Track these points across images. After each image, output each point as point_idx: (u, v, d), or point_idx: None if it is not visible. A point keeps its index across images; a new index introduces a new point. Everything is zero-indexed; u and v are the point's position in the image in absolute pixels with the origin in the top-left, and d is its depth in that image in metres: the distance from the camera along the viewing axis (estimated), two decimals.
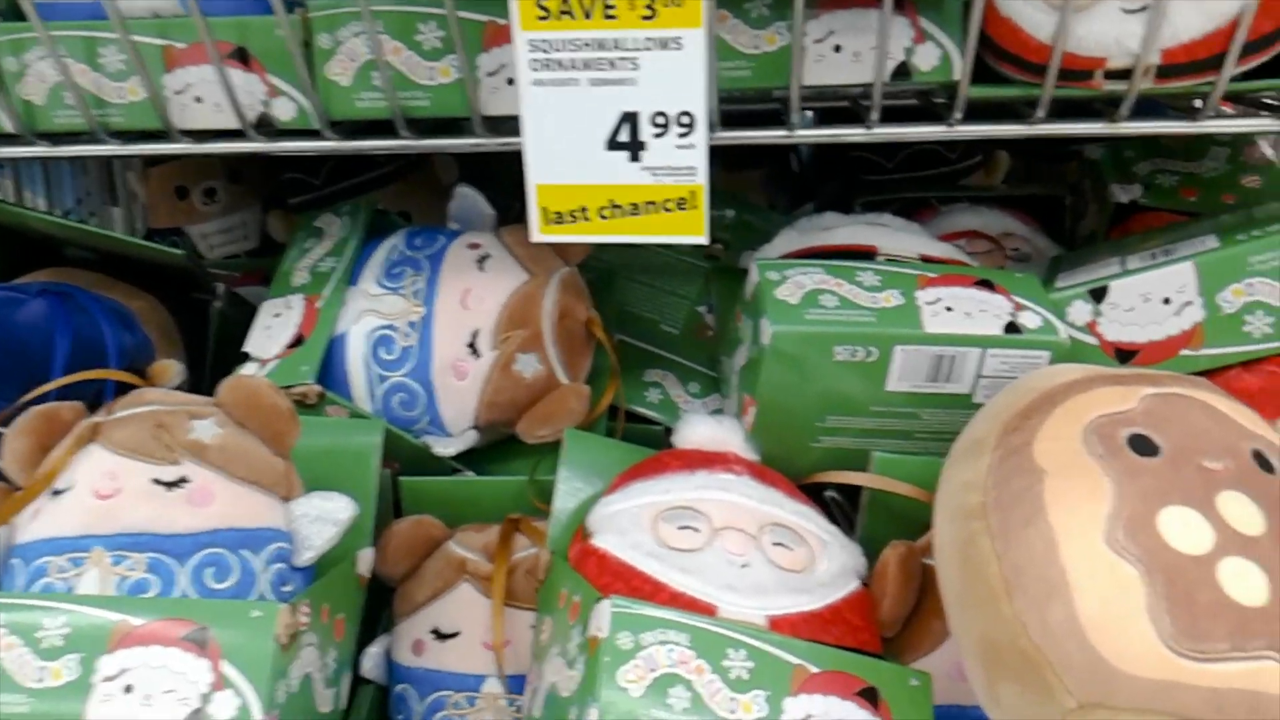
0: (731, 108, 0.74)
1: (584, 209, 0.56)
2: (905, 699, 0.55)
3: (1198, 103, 0.60)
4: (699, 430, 0.67)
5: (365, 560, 0.66)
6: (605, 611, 0.52)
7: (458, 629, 0.66)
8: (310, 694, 0.58)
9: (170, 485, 0.57)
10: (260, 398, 0.60)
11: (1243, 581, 0.47)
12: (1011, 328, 0.64)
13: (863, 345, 0.63)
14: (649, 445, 0.70)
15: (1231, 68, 0.57)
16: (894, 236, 0.73)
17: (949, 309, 0.64)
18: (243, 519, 0.57)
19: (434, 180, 0.97)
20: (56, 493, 0.58)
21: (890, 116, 0.65)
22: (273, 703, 0.52)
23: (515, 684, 0.64)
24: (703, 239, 0.56)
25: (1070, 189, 0.92)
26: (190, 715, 0.51)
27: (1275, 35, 0.57)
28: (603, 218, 0.56)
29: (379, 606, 0.71)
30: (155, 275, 0.83)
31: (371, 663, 0.67)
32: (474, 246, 0.74)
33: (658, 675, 0.51)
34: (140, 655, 0.52)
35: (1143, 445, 0.52)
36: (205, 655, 0.52)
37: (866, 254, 0.71)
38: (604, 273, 0.84)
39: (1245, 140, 0.86)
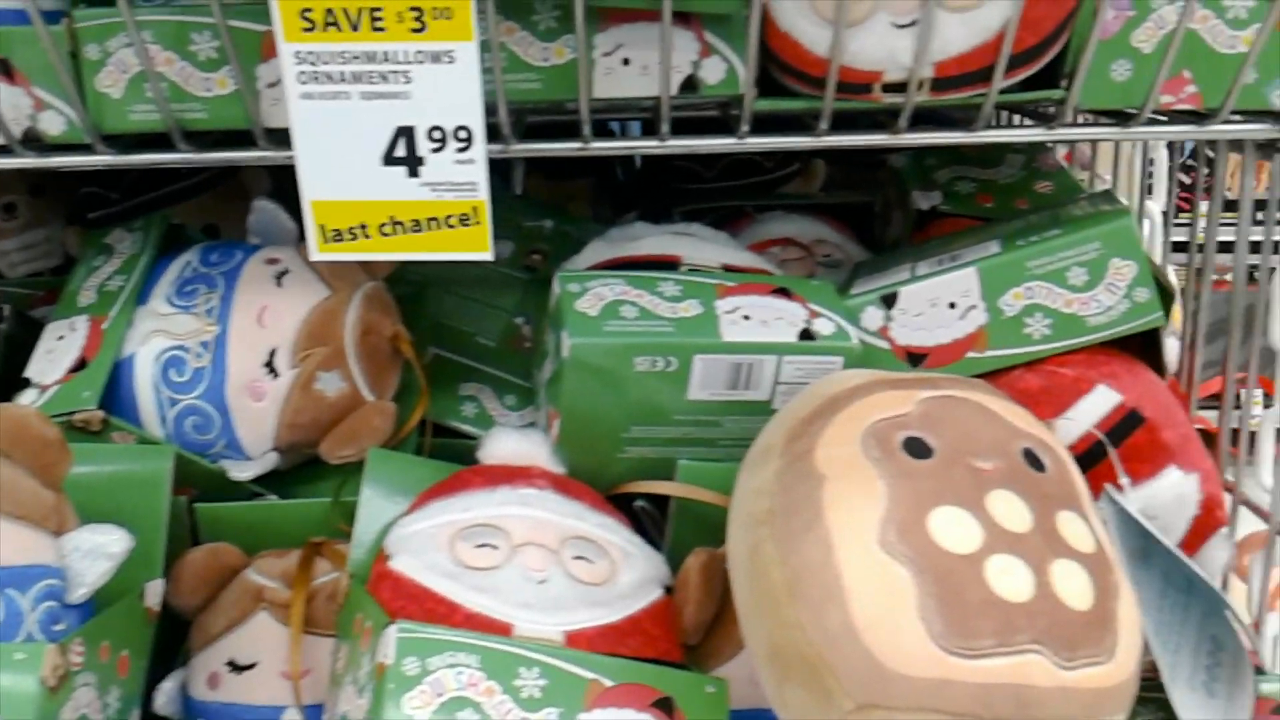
0: (558, 118, 0.73)
1: (364, 226, 0.54)
2: (701, 706, 0.55)
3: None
4: (503, 445, 0.66)
5: (154, 592, 0.63)
6: (391, 637, 0.51)
7: (255, 660, 0.63)
8: None
9: None
10: (27, 429, 0.56)
11: (1009, 578, 0.49)
12: (806, 334, 0.65)
13: (662, 355, 0.63)
14: (464, 461, 0.69)
15: (1000, 80, 0.59)
16: (699, 246, 0.74)
17: (746, 317, 0.65)
18: (9, 556, 0.54)
19: (243, 192, 0.93)
20: None
21: (696, 128, 0.66)
22: None
23: (315, 714, 0.62)
24: (487, 255, 0.56)
25: (881, 196, 0.94)
26: None
27: (1039, 48, 0.60)
28: (384, 234, 0.54)
29: (179, 640, 0.68)
30: None
31: (165, 699, 0.64)
32: (272, 262, 0.72)
33: (445, 699, 0.50)
34: None
35: (917, 448, 0.53)
36: None
37: (670, 264, 0.71)
38: (417, 286, 0.83)
39: (1040, 148, 0.89)
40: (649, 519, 0.70)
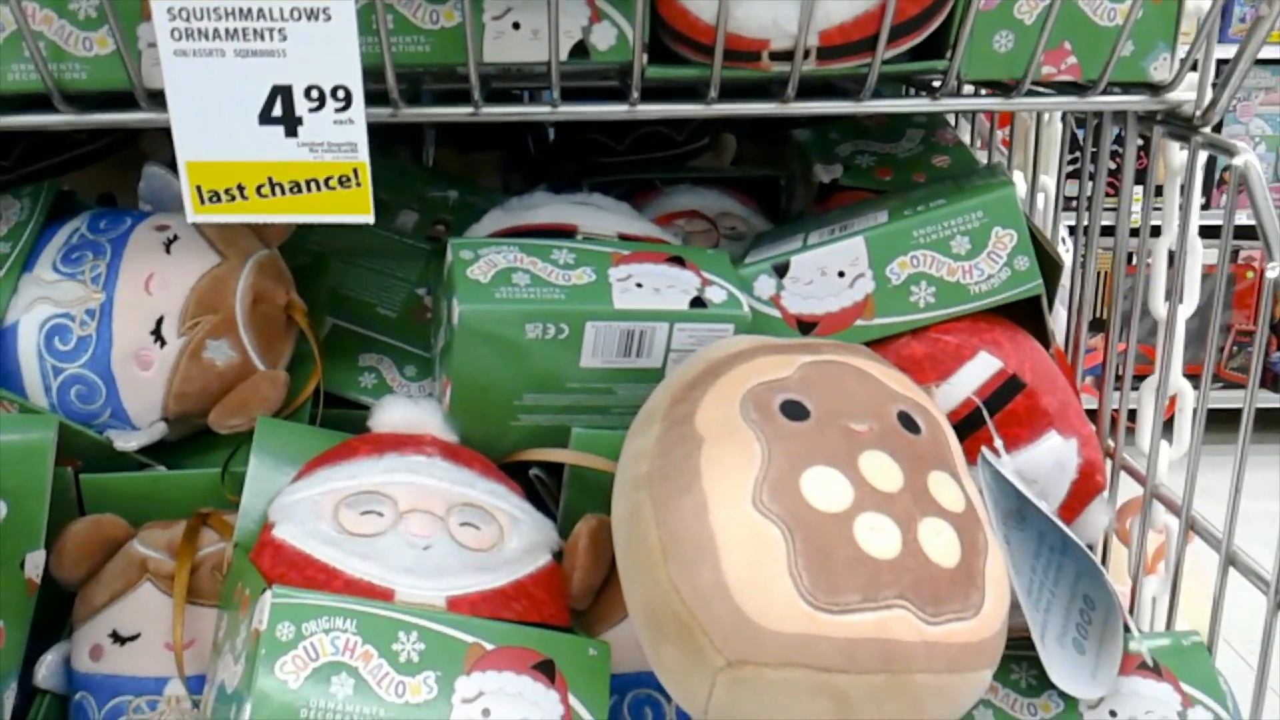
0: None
1: (241, 187, 0.53)
2: (582, 669, 0.56)
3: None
4: (394, 413, 0.66)
5: (35, 564, 0.62)
6: (265, 603, 0.51)
7: (138, 631, 0.63)
8: None
9: None
10: None
11: (877, 535, 0.50)
12: (697, 302, 0.65)
13: (554, 322, 0.63)
14: (361, 432, 0.69)
15: (883, 49, 0.60)
16: (596, 216, 0.74)
17: (639, 285, 0.65)
18: None
19: (141, 160, 0.91)
20: None
21: (608, 95, 0.66)
22: None
23: (198, 685, 0.62)
24: (368, 218, 0.55)
25: (787, 171, 0.95)
26: None
27: (921, 18, 0.61)
28: (261, 195, 0.54)
29: (64, 614, 0.67)
30: None
31: (47, 671, 0.63)
32: (162, 228, 0.70)
33: (319, 664, 0.50)
34: None
35: (794, 410, 0.54)
36: None
37: (567, 233, 0.71)
38: (317, 256, 0.82)
39: (939, 124, 0.91)
40: (543, 487, 0.70)
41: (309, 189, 0.54)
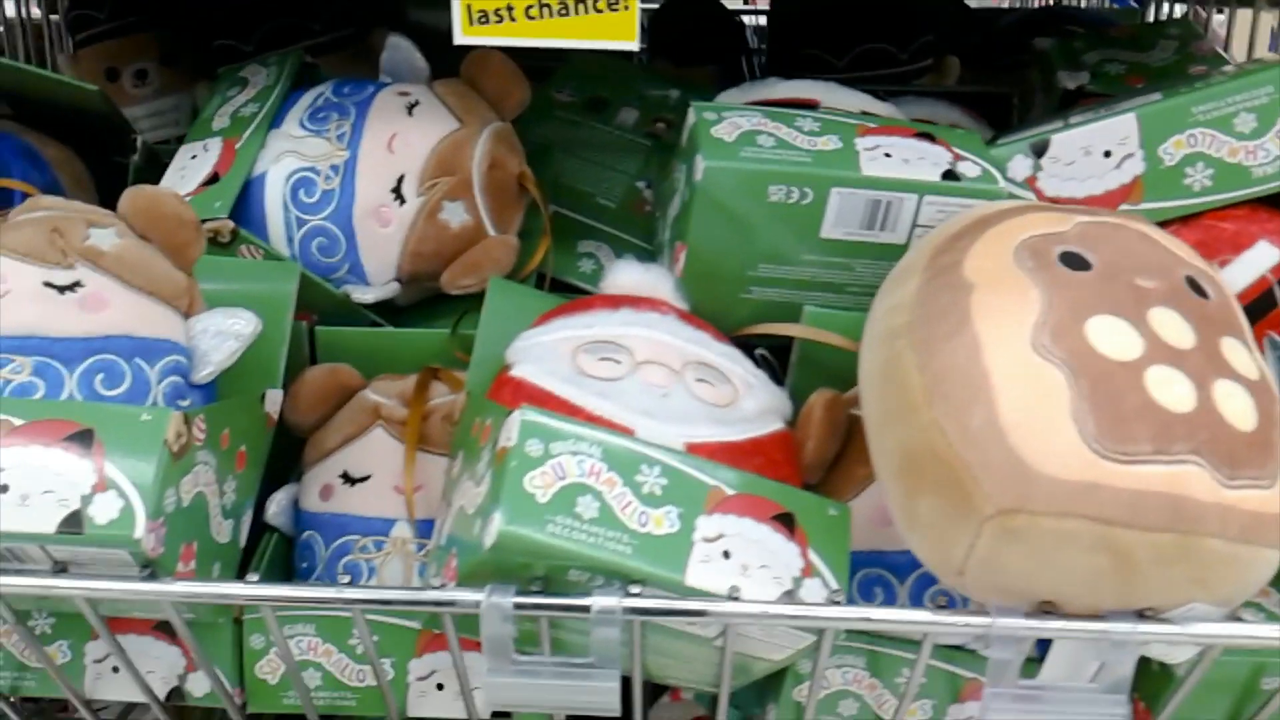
0: None
1: (510, 8, 0.53)
2: (823, 528, 0.53)
3: None
4: (627, 275, 0.65)
5: (273, 400, 0.63)
6: (515, 421, 0.50)
7: (368, 473, 0.63)
8: (204, 516, 0.55)
9: (62, 289, 0.54)
10: (161, 206, 0.57)
11: (1169, 388, 0.46)
12: (949, 175, 0.62)
13: (798, 186, 0.61)
14: None
15: None
16: (837, 93, 0.71)
17: (888, 155, 0.63)
18: (138, 328, 0.54)
19: (371, 53, 0.94)
20: None
21: None
22: (159, 510, 0.49)
23: (425, 529, 0.62)
24: (632, 45, 0.54)
25: (1021, 86, 0.90)
26: (68, 516, 0.48)
27: None
28: (529, 18, 0.53)
29: (288, 467, 0.68)
30: (73, 130, 0.80)
31: (277, 508, 0.64)
32: (404, 94, 0.72)
33: (566, 484, 0.49)
34: (19, 455, 0.49)
35: (1075, 261, 0.50)
36: (89, 456, 0.49)
37: (809, 107, 0.69)
38: (541, 147, 0.82)
39: (1193, 34, 0.85)
40: (768, 368, 0.68)
41: (576, 11, 0.53)
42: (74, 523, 0.48)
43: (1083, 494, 0.45)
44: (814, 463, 0.60)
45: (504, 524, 0.47)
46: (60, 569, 0.50)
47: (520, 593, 0.49)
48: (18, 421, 0.50)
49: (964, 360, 0.47)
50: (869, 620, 0.49)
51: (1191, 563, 0.45)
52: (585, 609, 0.48)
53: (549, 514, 0.48)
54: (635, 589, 0.49)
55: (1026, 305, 0.48)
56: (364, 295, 0.69)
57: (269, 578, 0.62)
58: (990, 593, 0.48)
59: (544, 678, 0.50)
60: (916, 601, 0.58)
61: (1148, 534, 0.45)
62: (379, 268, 0.69)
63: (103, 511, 0.48)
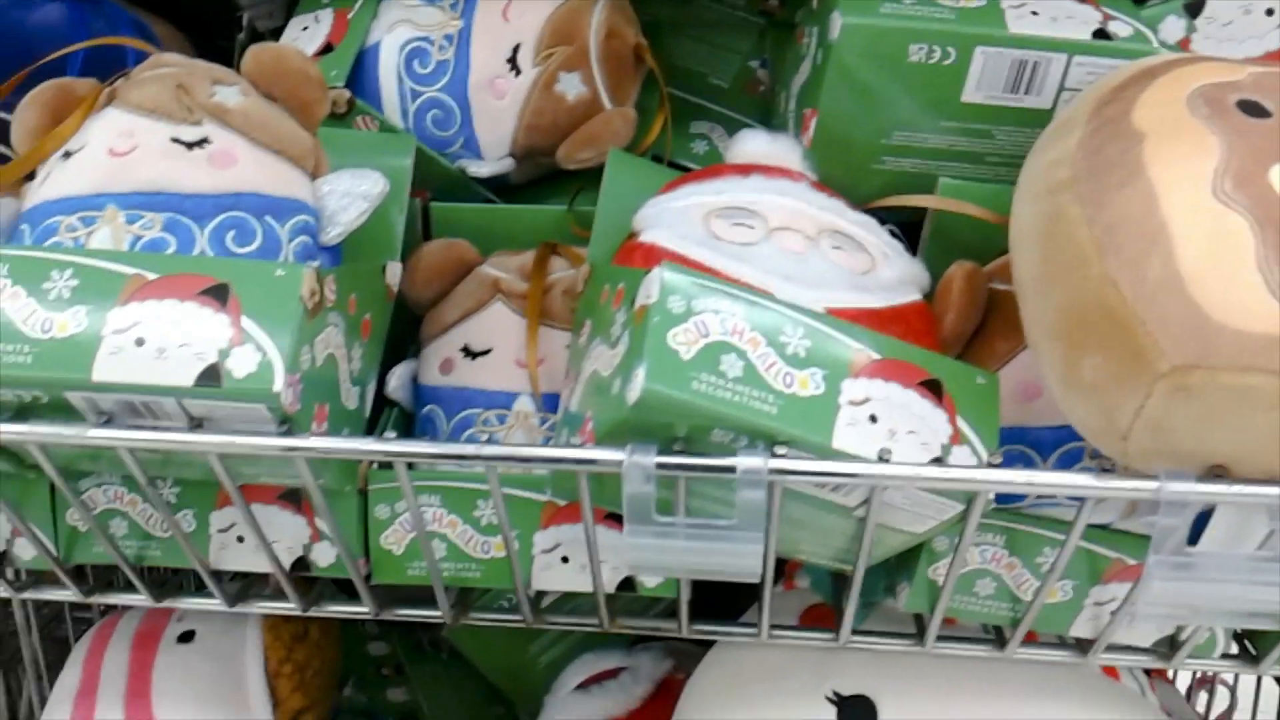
0: None
1: None
2: (971, 396, 0.51)
3: None
4: (754, 144, 0.62)
5: (394, 272, 0.62)
6: (655, 278, 0.48)
7: (489, 346, 0.62)
8: (335, 379, 0.54)
9: (191, 145, 0.53)
10: (286, 62, 0.55)
11: None
12: (1100, 34, 0.58)
13: (940, 44, 0.58)
14: None
15: None
16: None
17: (1034, 13, 0.59)
18: (267, 186, 0.53)
19: None
20: (67, 155, 0.54)
21: None
22: (295, 365, 0.49)
23: (548, 402, 0.61)
24: None
25: None
26: (206, 370, 0.48)
27: None
28: None
29: (401, 348, 0.67)
30: (176, 13, 0.79)
31: (397, 382, 0.63)
32: None
33: (710, 341, 0.47)
34: (155, 309, 0.48)
35: (1253, 109, 0.47)
36: (225, 310, 0.48)
37: None
38: (650, 26, 0.79)
39: None
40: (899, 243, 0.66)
41: None
42: (212, 376, 0.48)
43: (1268, 347, 0.42)
44: (953, 336, 0.57)
45: (647, 381, 0.46)
46: (196, 425, 0.50)
47: (662, 452, 0.47)
48: (152, 276, 0.49)
49: (1139, 210, 0.45)
50: (1030, 484, 0.47)
51: None
52: (730, 469, 0.47)
53: (693, 371, 0.46)
54: (781, 450, 0.47)
55: (1205, 152, 0.45)
56: (479, 169, 0.67)
57: (386, 464, 0.61)
58: (1155, 459, 0.46)
59: (684, 540, 0.48)
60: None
61: None
62: (494, 142, 0.68)
63: (241, 365, 0.48)
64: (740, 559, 0.48)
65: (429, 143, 0.67)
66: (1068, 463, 0.56)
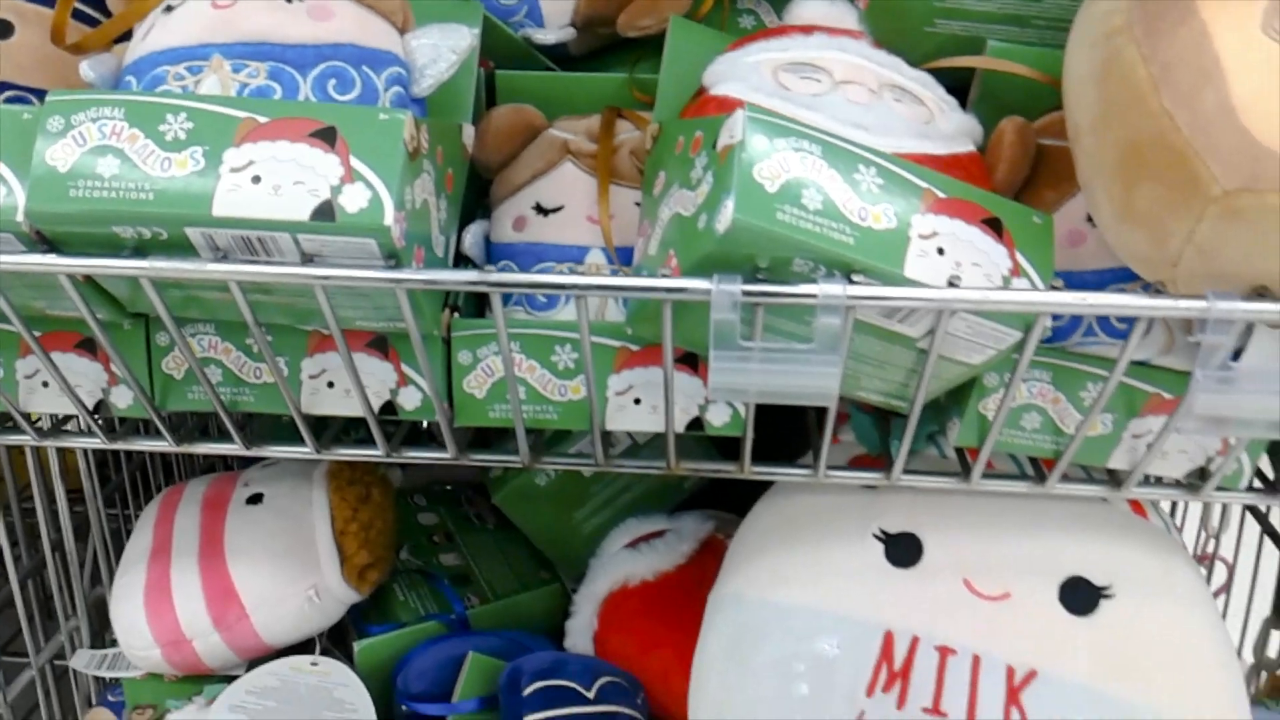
0: None
1: None
2: (1028, 233, 0.55)
3: None
4: (812, 8, 0.65)
5: (468, 133, 0.65)
6: (739, 118, 0.51)
7: (560, 204, 0.66)
8: (428, 224, 0.57)
9: None
10: None
11: None
12: None
13: None
14: None
15: None
16: None
17: None
18: (362, 37, 0.56)
19: None
20: (169, 9, 0.56)
21: None
22: (402, 203, 0.52)
23: (621, 256, 0.64)
24: None
25: None
26: (320, 205, 0.51)
27: None
28: None
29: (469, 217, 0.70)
30: None
31: (472, 239, 0.66)
32: None
33: (791, 177, 0.51)
34: (269, 149, 0.52)
35: None
36: (334, 151, 0.52)
37: None
38: None
39: None
40: None
41: None
42: (326, 212, 0.51)
43: None
44: (1005, 186, 0.61)
45: (737, 212, 0.49)
46: (306, 262, 0.53)
47: (746, 282, 0.51)
48: (263, 119, 0.52)
49: (1193, 48, 0.48)
50: (1088, 305, 0.51)
51: None
52: (812, 295, 0.51)
53: (778, 203, 0.50)
54: (857, 278, 0.51)
55: None
56: (543, 37, 0.70)
57: (466, 310, 0.65)
58: (1203, 282, 0.50)
59: (766, 363, 0.52)
60: (1104, 325, 0.60)
61: None
62: (556, 10, 0.70)
63: (352, 201, 0.51)
64: (819, 380, 0.52)
65: (492, 11, 0.70)
66: None
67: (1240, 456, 0.62)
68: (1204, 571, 1.14)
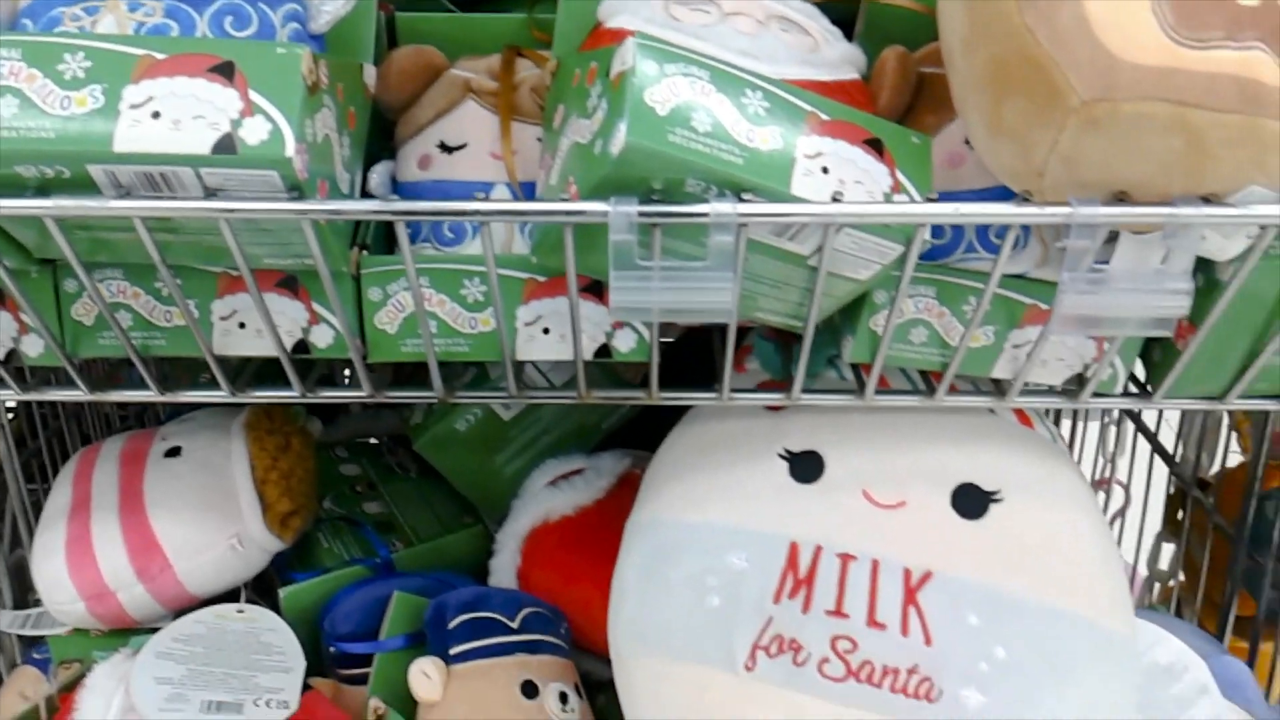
0: None
1: None
2: (908, 153, 0.58)
3: None
4: None
5: (369, 74, 0.66)
6: (629, 46, 0.53)
7: (464, 141, 0.67)
8: (331, 159, 0.59)
9: None
10: None
11: None
12: None
13: None
14: None
15: None
16: None
17: None
18: None
19: None
20: None
21: None
22: (303, 135, 0.53)
23: (525, 191, 0.66)
24: None
25: None
26: (221, 139, 0.52)
27: None
28: None
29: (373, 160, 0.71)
30: None
31: (378, 179, 0.67)
32: None
33: (681, 101, 0.53)
34: (167, 85, 0.52)
35: None
36: (233, 85, 0.53)
37: None
38: None
39: None
40: None
41: None
42: (227, 145, 0.52)
43: (1162, 78, 0.49)
44: (887, 112, 0.64)
45: (629, 135, 0.51)
46: (210, 196, 0.54)
47: (642, 204, 0.53)
48: (160, 55, 0.53)
49: None
50: (959, 215, 0.54)
51: (1254, 144, 0.50)
52: (704, 215, 0.53)
53: (669, 126, 0.52)
54: (747, 197, 0.54)
55: None
56: None
57: (375, 249, 0.66)
58: (1068, 190, 0.53)
59: (664, 282, 0.55)
60: (983, 241, 0.64)
61: (1218, 114, 0.49)
62: None
63: (253, 134, 0.52)
64: (714, 296, 0.55)
65: None
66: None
67: (1115, 361, 0.66)
68: (1102, 495, 1.21)
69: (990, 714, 0.62)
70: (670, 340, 0.97)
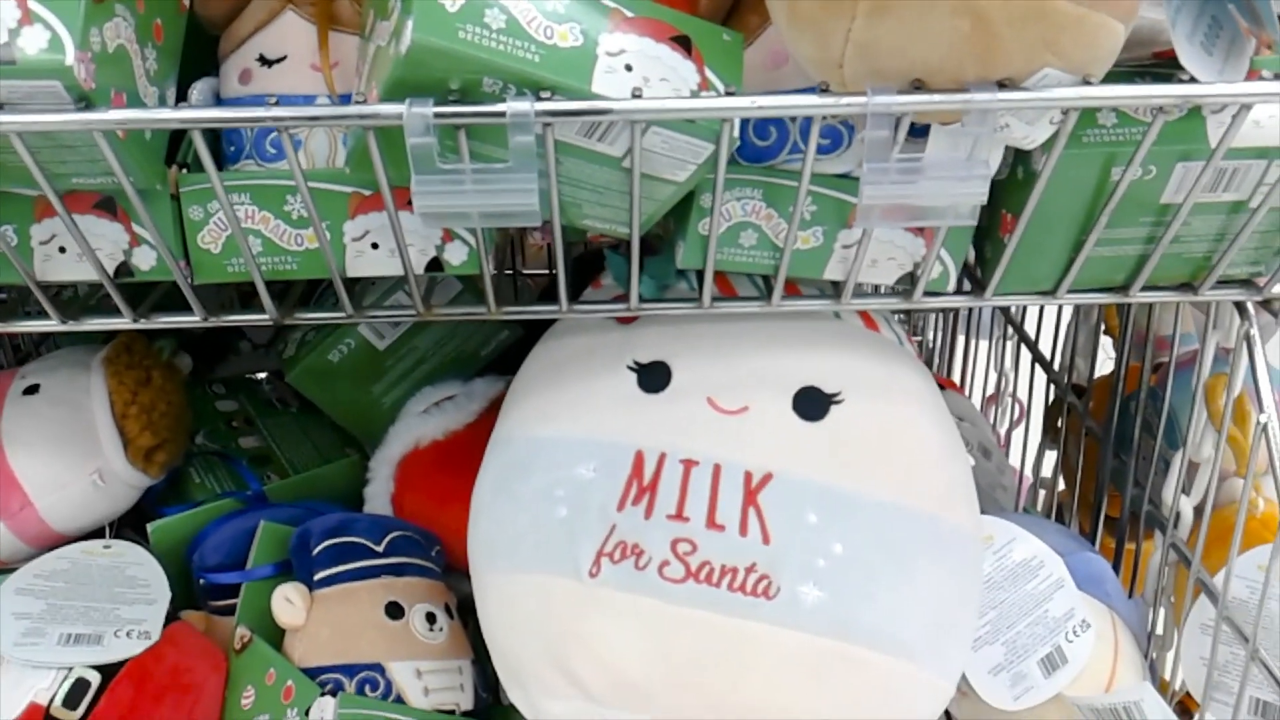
0: None
1: None
2: (718, 50, 0.57)
3: None
4: None
5: None
6: None
7: (284, 54, 0.66)
8: (130, 71, 0.57)
9: None
10: None
11: None
12: None
13: None
14: None
15: None
16: None
17: None
18: None
19: None
20: None
21: None
22: (86, 43, 0.51)
23: (346, 102, 0.65)
24: None
25: None
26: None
27: None
28: None
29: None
30: None
31: (199, 95, 0.66)
32: None
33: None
34: None
35: None
36: None
37: None
38: None
39: None
40: None
41: None
42: (5, 55, 0.50)
43: None
44: (709, 12, 0.63)
45: (416, 32, 0.50)
46: None
47: (439, 103, 0.53)
48: None
49: None
50: (760, 107, 0.54)
51: (1042, 24, 0.50)
52: (500, 114, 0.52)
53: (459, 22, 0.51)
54: (546, 95, 0.53)
55: None
56: None
57: (196, 167, 0.65)
58: (867, 80, 0.53)
59: (470, 184, 0.54)
60: (804, 136, 0.63)
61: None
62: None
63: (32, 43, 0.50)
64: (519, 198, 0.54)
65: None
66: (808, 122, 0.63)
67: (944, 258, 0.66)
68: (994, 409, 1.22)
69: (828, 608, 0.63)
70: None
